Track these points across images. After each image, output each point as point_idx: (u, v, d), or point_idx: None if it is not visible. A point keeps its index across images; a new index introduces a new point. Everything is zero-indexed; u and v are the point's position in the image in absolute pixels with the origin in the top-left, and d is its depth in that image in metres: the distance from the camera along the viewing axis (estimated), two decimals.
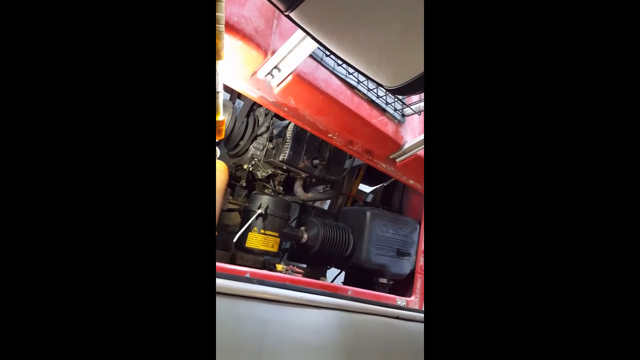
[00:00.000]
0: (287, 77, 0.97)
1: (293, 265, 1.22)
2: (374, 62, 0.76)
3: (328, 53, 1.05)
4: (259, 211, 1.19)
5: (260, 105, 1.35)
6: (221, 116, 0.75)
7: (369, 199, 1.83)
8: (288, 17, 0.65)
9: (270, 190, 1.34)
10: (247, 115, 1.33)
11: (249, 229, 1.19)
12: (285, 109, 1.06)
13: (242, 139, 1.32)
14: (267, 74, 0.95)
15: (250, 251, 1.20)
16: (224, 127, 0.82)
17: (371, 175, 1.75)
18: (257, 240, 1.18)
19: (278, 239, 1.23)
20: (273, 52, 0.92)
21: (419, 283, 1.49)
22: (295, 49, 0.90)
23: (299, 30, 0.77)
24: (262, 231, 1.19)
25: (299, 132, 1.30)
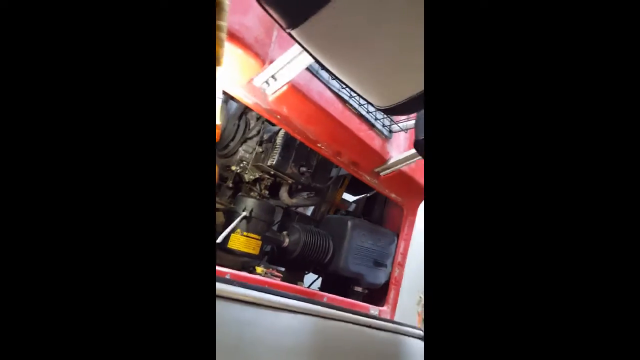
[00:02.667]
0: (282, 86, 1.00)
1: (272, 269, 1.24)
2: (365, 83, 0.80)
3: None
4: (244, 213, 1.21)
5: None
6: (217, 121, 0.77)
7: (351, 208, 1.87)
8: (289, 34, 0.68)
9: (256, 194, 1.36)
10: (239, 118, 1.35)
11: (232, 231, 1.20)
12: (278, 116, 1.09)
13: (232, 140, 1.33)
14: (264, 82, 0.98)
15: (232, 252, 1.21)
16: (219, 131, 0.84)
17: (355, 185, 1.79)
18: (240, 242, 1.20)
19: (260, 242, 1.25)
20: (271, 62, 0.95)
21: (392, 294, 1.54)
22: (293, 61, 0.93)
23: None
24: (244, 233, 1.21)
25: (288, 139, 1.33)
